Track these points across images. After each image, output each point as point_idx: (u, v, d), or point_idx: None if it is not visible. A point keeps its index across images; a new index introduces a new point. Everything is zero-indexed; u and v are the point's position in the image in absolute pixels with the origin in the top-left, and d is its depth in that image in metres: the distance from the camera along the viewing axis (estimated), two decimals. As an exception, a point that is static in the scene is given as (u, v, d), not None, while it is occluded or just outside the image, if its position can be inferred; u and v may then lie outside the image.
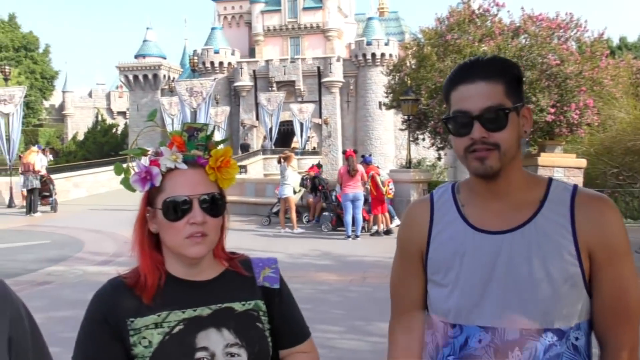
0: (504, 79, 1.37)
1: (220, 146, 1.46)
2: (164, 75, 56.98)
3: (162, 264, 1.43)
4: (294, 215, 13.44)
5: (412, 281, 1.56)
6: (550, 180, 1.47)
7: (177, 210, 1.36)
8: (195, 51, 53.44)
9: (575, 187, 1.44)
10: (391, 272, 1.63)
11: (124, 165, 1.42)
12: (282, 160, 13.95)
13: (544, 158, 14.81)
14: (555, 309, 1.34)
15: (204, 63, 52.78)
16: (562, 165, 14.61)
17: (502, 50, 14.51)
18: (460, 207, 1.48)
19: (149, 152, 1.44)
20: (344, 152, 13.09)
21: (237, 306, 1.44)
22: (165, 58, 59.24)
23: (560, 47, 14.71)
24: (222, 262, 1.50)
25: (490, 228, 1.41)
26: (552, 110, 14.15)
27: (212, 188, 1.41)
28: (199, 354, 1.34)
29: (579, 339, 1.37)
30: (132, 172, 1.40)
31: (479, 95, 1.35)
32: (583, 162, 15.10)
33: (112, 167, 1.51)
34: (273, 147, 37.95)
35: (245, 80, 52.85)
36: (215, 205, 1.40)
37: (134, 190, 1.40)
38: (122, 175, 1.41)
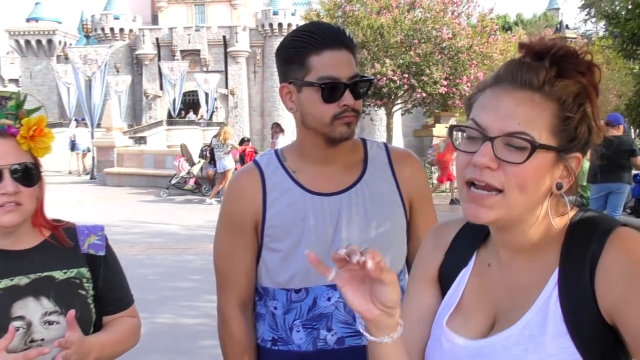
0: (354, 49, 1.47)
1: (33, 115, 1.44)
2: (60, 41, 53.93)
3: None
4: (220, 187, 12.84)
5: (245, 254, 1.53)
6: (364, 140, 1.59)
7: None
8: (93, 16, 50.88)
9: (385, 144, 1.61)
10: (216, 246, 1.59)
11: None
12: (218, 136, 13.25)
13: (438, 129, 15.46)
14: (393, 254, 1.51)
15: (102, 29, 50.45)
16: (455, 136, 15.30)
17: (399, 22, 14.86)
18: (291, 173, 1.51)
19: None
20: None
21: (58, 274, 1.45)
22: (60, 23, 56.08)
23: (452, 21, 15.26)
24: (41, 231, 1.49)
25: (327, 190, 1.48)
26: (445, 82, 14.72)
27: (24, 157, 1.39)
28: (14, 324, 1.34)
29: (403, 281, 1.52)
30: None
31: (347, 63, 1.42)
32: (474, 133, 15.88)
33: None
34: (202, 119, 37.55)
35: (147, 49, 51.01)
36: (28, 175, 1.39)
37: None
38: None
